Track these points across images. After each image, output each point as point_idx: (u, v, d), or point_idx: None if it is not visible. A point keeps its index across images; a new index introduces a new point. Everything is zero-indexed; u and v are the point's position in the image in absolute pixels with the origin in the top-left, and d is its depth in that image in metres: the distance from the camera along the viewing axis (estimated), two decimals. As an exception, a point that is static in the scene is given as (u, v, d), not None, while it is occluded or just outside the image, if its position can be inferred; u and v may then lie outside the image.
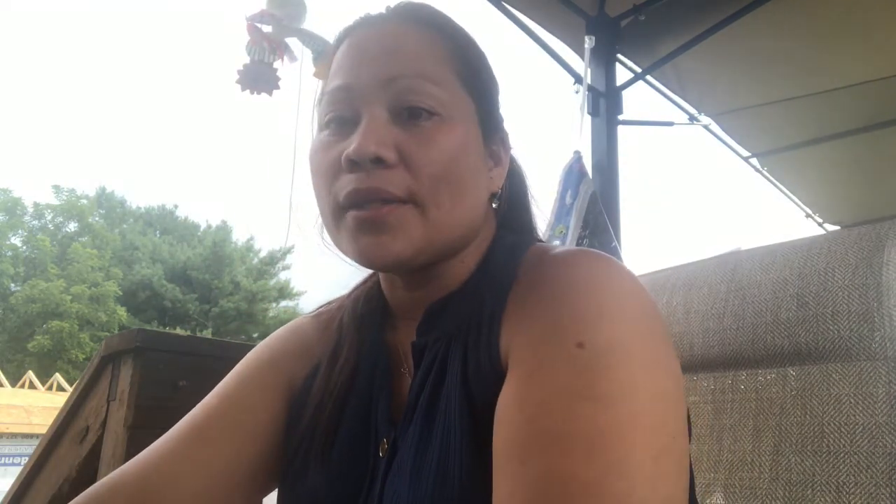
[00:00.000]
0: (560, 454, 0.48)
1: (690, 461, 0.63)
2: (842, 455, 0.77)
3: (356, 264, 0.65)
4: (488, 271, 0.66)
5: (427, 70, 0.63)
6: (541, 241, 0.72)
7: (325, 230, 0.68)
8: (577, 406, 0.49)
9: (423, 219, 0.61)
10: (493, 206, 0.70)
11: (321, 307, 0.81)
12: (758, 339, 0.87)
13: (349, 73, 0.64)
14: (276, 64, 2.02)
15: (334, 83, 0.65)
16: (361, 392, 0.69)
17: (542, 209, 0.77)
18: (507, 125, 0.73)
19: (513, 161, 0.74)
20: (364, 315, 0.74)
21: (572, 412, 0.49)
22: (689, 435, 0.62)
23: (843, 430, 0.77)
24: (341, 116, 0.64)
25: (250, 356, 0.79)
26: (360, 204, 0.60)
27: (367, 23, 0.68)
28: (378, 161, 0.59)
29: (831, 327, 0.80)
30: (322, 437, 0.67)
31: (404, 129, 0.61)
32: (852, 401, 0.77)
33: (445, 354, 0.62)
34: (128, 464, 0.70)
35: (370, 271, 0.77)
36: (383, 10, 0.69)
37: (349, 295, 0.79)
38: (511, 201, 0.73)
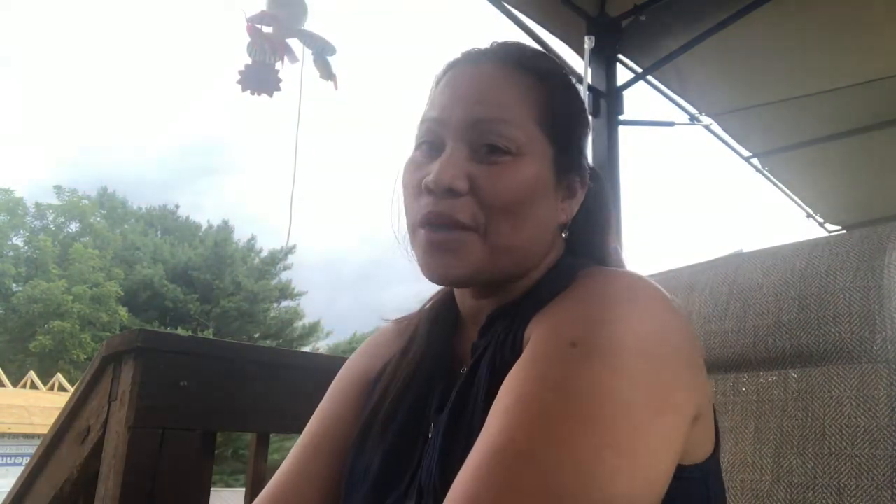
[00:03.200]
0: (515, 427, 0.54)
1: (718, 473, 0.68)
2: (843, 457, 0.77)
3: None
4: (545, 286, 0.72)
5: (510, 115, 0.71)
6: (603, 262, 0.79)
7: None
8: (546, 393, 0.55)
9: (483, 245, 0.69)
10: (563, 235, 0.77)
11: (404, 316, 0.90)
12: (759, 342, 0.87)
13: (444, 109, 0.73)
14: (277, 65, 2.02)
15: (432, 114, 0.74)
16: (422, 385, 0.77)
17: (620, 234, 0.83)
18: (588, 161, 0.80)
19: (600, 192, 0.81)
20: (435, 319, 0.82)
21: (536, 397, 0.55)
22: (717, 446, 0.67)
23: (844, 432, 0.77)
24: (431, 143, 0.73)
25: (341, 371, 0.90)
26: (432, 224, 0.69)
27: (467, 60, 0.77)
28: (450, 192, 0.68)
29: (833, 330, 0.80)
30: (382, 420, 0.75)
31: (480, 163, 0.70)
32: (853, 403, 0.77)
33: (485, 350, 0.70)
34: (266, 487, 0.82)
35: None
36: (486, 47, 0.78)
37: (427, 304, 0.87)
38: (582, 229, 0.79)
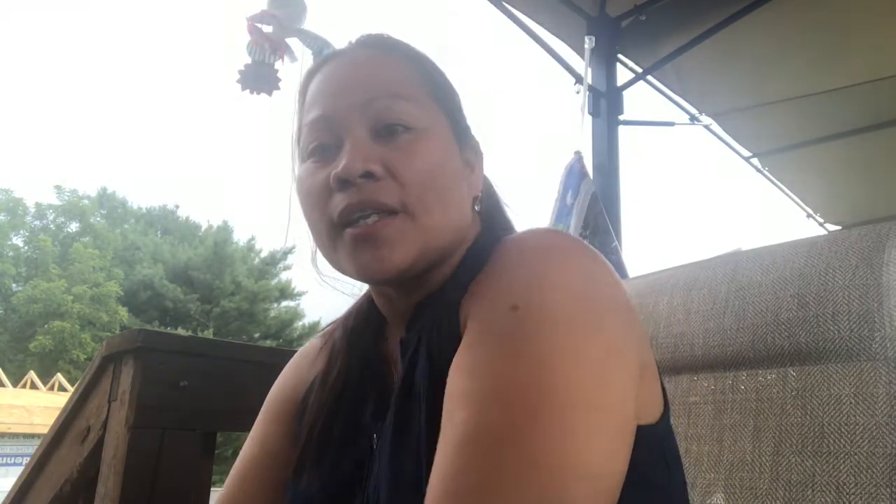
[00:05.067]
0: (482, 411, 0.52)
1: (672, 448, 0.65)
2: (842, 455, 0.77)
3: (355, 280, 0.71)
4: (465, 266, 0.69)
5: (399, 90, 0.68)
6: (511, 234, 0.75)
7: (318, 257, 0.73)
8: (497, 366, 0.53)
9: (415, 227, 0.64)
10: (476, 209, 0.74)
11: (325, 328, 0.85)
12: (758, 340, 0.87)
13: (326, 103, 0.69)
14: (277, 64, 2.02)
15: (312, 114, 0.69)
16: (352, 399, 0.73)
17: (516, 212, 0.81)
18: (476, 133, 0.78)
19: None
20: (355, 329, 0.78)
21: (491, 371, 0.53)
22: (666, 407, 0.65)
23: (843, 430, 0.77)
24: (324, 144, 0.68)
25: (270, 393, 0.86)
26: (354, 220, 0.64)
27: (335, 56, 0.73)
28: (367, 175, 0.64)
29: (832, 328, 0.80)
30: (316, 446, 0.72)
31: (385, 145, 0.66)
32: (852, 401, 0.77)
33: (417, 344, 0.66)
34: None
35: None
36: (348, 44, 0.74)
37: (343, 315, 0.83)
38: (488, 204, 0.77)
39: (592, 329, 0.55)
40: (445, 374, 0.58)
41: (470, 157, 0.74)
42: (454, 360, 0.58)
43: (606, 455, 0.51)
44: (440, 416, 0.56)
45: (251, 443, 0.82)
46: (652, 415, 0.62)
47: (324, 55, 0.74)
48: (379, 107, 0.66)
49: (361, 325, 0.79)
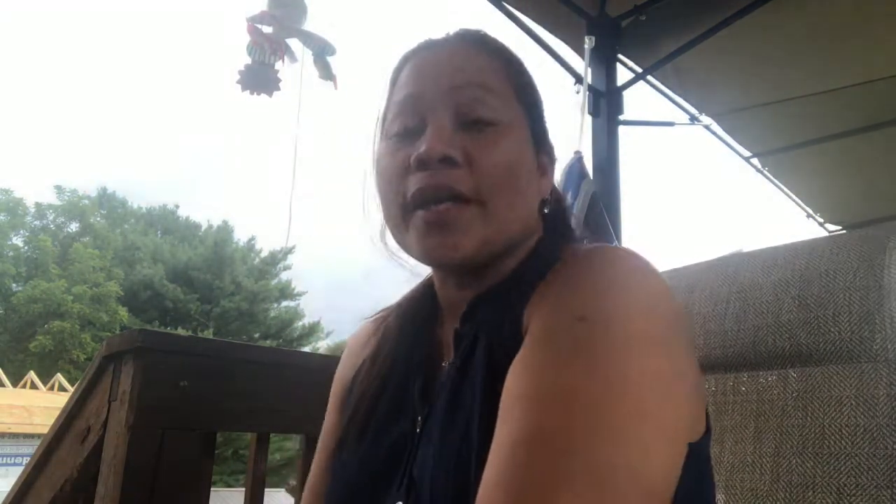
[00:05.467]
0: (544, 411, 0.52)
1: (708, 463, 0.65)
2: (843, 457, 0.77)
3: (421, 264, 0.72)
4: (528, 267, 0.70)
5: (487, 82, 0.69)
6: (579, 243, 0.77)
7: (387, 235, 0.75)
8: (561, 371, 0.53)
9: (484, 217, 0.65)
10: (545, 211, 0.75)
11: (378, 312, 0.87)
12: (759, 341, 0.87)
13: (416, 84, 0.70)
14: (277, 65, 2.02)
15: (402, 94, 0.71)
16: (399, 380, 0.74)
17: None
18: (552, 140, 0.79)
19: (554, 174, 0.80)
20: (409, 313, 0.80)
21: (555, 377, 0.53)
22: (708, 428, 0.64)
23: (844, 432, 0.77)
24: (407, 124, 0.69)
25: (334, 379, 0.88)
26: (427, 202, 0.65)
27: (429, 45, 0.74)
28: (446, 160, 0.65)
29: (832, 329, 0.80)
30: (359, 422, 0.73)
31: (468, 134, 0.67)
32: (853, 403, 0.77)
33: (476, 336, 0.67)
34: None
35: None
36: (445, 35, 0.76)
37: (401, 299, 0.84)
38: (554, 210, 0.78)
39: (657, 345, 0.56)
40: (502, 370, 0.59)
41: (544, 160, 0.75)
42: (515, 360, 0.58)
43: (662, 471, 0.52)
44: (494, 409, 0.57)
45: (323, 435, 0.84)
46: (697, 431, 0.62)
47: (419, 43, 0.75)
48: (465, 95, 0.68)
49: (415, 309, 0.80)
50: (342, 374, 0.86)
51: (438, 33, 0.76)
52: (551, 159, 0.78)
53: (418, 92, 0.69)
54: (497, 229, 0.66)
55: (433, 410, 0.67)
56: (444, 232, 0.65)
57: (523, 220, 0.70)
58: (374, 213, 0.76)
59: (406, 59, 0.74)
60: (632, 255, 0.63)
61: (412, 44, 0.76)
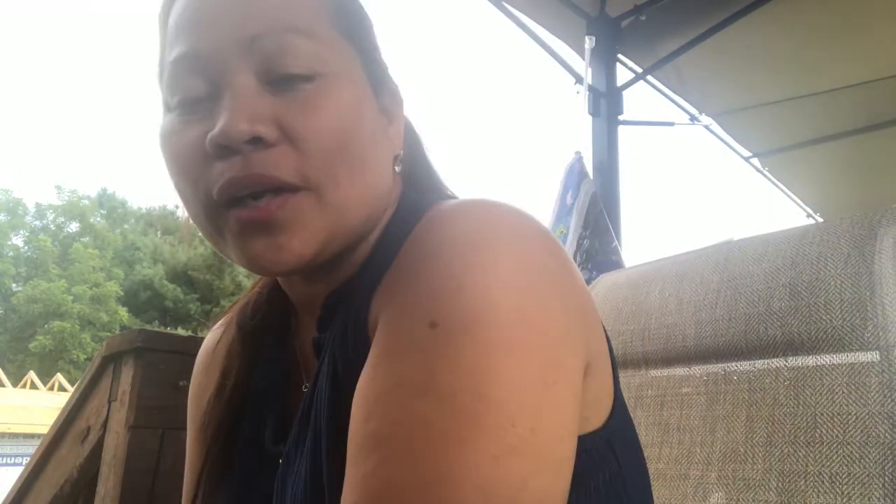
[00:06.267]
0: (385, 458, 0.41)
1: (630, 442, 0.57)
2: (835, 445, 0.76)
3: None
4: (386, 244, 0.55)
5: (296, 21, 0.52)
6: (452, 197, 0.62)
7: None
8: (413, 402, 0.42)
9: (321, 206, 0.51)
10: (397, 169, 0.59)
11: (220, 316, 0.72)
12: (750, 330, 0.86)
13: (195, 37, 0.51)
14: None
15: (177, 50, 0.52)
16: (253, 416, 0.62)
17: (439, 164, 0.65)
18: (393, 75, 0.62)
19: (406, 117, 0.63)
20: (255, 331, 0.64)
21: (405, 409, 0.42)
22: (615, 411, 0.55)
23: (835, 420, 0.77)
24: (194, 93, 0.52)
25: (188, 404, 0.73)
26: (241, 199, 0.50)
27: None
28: (256, 141, 0.49)
29: (824, 317, 0.80)
30: (216, 474, 0.61)
31: (280, 97, 0.51)
32: (845, 391, 0.77)
33: (328, 349, 0.54)
34: None
35: None
36: None
37: (237, 304, 0.69)
38: (411, 159, 0.63)
39: (526, 345, 0.43)
40: (351, 386, 0.47)
41: (388, 104, 0.59)
42: (359, 383, 0.46)
43: (540, 497, 0.42)
44: (342, 434, 0.47)
45: (187, 469, 0.69)
46: (597, 418, 0.53)
47: None
48: (269, 45, 0.50)
49: (260, 321, 0.65)
50: (197, 395, 0.70)
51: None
52: (397, 99, 0.60)
53: (201, 48, 0.51)
54: (340, 216, 0.52)
55: (287, 453, 0.56)
56: (270, 232, 0.50)
57: (373, 194, 0.54)
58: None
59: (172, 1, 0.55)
60: (492, 216, 0.48)
61: None
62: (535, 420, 0.42)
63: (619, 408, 0.56)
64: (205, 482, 0.62)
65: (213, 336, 0.71)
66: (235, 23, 0.51)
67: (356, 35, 0.56)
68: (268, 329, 0.64)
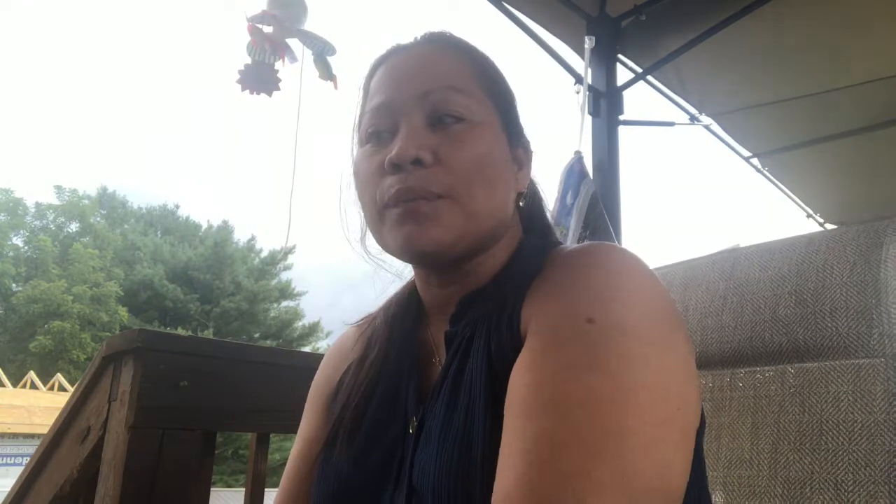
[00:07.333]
0: (561, 417, 0.52)
1: (702, 450, 0.66)
2: (840, 453, 0.77)
3: (399, 259, 0.74)
4: (516, 266, 0.72)
5: (456, 83, 0.72)
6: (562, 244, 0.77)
7: (366, 238, 0.78)
8: (582, 376, 0.53)
9: (459, 210, 0.67)
10: (521, 204, 0.77)
11: (362, 318, 0.88)
12: (756, 337, 0.87)
13: (388, 91, 0.72)
14: (277, 65, 2.02)
15: (374, 102, 0.73)
16: (389, 383, 0.75)
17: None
18: (529, 135, 0.80)
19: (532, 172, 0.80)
20: (396, 316, 0.81)
21: (577, 382, 0.53)
22: (703, 425, 0.65)
23: (841, 427, 0.77)
24: (381, 130, 0.72)
25: (311, 389, 0.88)
26: (401, 201, 0.67)
27: (399, 50, 0.77)
28: (417, 162, 0.67)
29: (829, 324, 0.80)
30: (348, 425, 0.74)
31: (438, 134, 0.69)
32: (850, 398, 0.77)
33: (471, 337, 0.68)
34: None
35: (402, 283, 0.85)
36: (413, 39, 0.78)
37: (386, 303, 0.85)
38: (532, 207, 0.80)
39: (669, 346, 0.57)
40: (503, 370, 0.61)
41: (519, 154, 0.77)
42: (520, 361, 0.59)
43: (682, 473, 0.53)
44: (497, 411, 0.58)
45: (298, 440, 0.84)
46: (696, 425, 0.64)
47: (389, 48, 0.78)
48: (435, 98, 0.70)
49: (402, 311, 0.81)
50: (323, 381, 0.86)
51: (407, 38, 0.79)
52: (528, 153, 0.79)
53: (390, 98, 0.72)
54: (470, 221, 0.68)
55: (428, 413, 0.67)
56: (418, 221, 0.67)
57: (497, 212, 0.71)
58: (353, 217, 0.79)
59: (377, 66, 0.77)
60: (626, 253, 0.64)
61: (382, 50, 0.78)
62: (679, 399, 0.55)
63: (704, 420, 0.66)
64: (331, 440, 0.75)
65: (347, 334, 0.89)
66: (415, 83, 0.71)
67: (499, 101, 0.75)
68: (406, 319, 0.80)
